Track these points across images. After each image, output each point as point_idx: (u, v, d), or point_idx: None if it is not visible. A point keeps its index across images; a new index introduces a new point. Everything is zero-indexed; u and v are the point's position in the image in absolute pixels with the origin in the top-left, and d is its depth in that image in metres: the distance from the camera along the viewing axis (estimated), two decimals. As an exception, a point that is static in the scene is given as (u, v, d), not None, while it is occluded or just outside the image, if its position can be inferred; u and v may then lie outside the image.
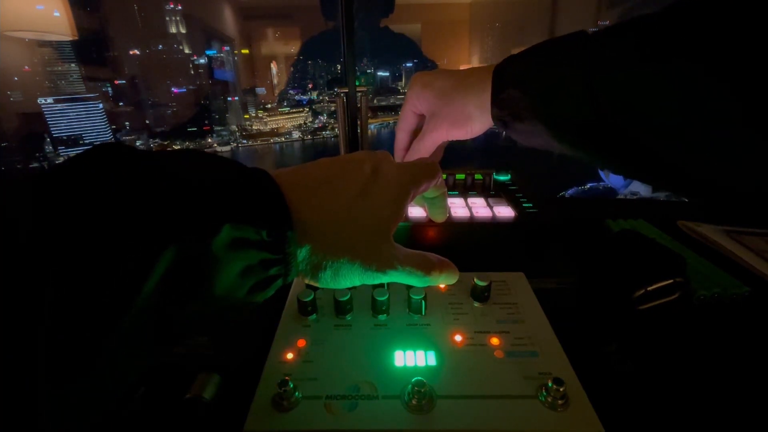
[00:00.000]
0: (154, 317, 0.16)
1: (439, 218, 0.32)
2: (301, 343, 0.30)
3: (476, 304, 0.33)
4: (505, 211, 0.45)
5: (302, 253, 0.21)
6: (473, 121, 0.36)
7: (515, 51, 0.33)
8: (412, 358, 0.28)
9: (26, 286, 0.14)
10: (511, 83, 0.31)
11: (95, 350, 0.14)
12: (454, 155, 0.50)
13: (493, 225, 0.43)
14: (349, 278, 0.22)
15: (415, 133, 0.43)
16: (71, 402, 0.15)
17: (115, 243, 0.15)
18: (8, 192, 0.16)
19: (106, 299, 0.14)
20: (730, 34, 0.21)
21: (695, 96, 0.22)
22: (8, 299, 0.13)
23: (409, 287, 0.34)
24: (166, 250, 0.15)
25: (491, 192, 0.50)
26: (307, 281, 0.22)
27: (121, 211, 0.15)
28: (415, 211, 0.45)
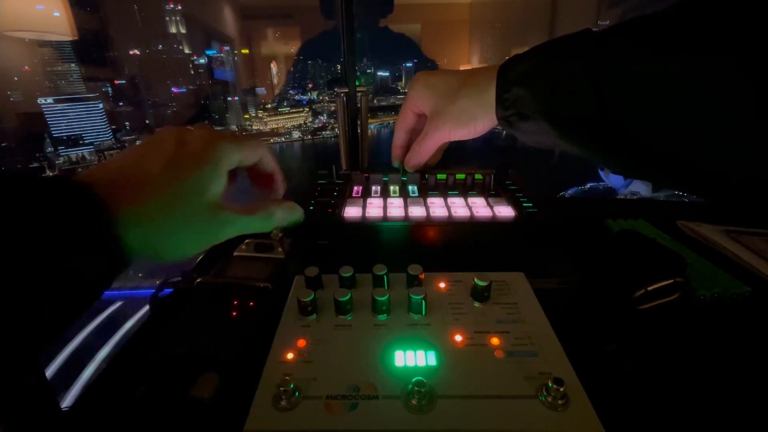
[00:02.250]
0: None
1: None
2: (301, 343, 0.30)
3: (476, 304, 0.33)
4: (505, 211, 0.45)
5: (131, 237, 0.22)
6: (477, 120, 0.36)
7: (515, 51, 0.33)
8: (412, 358, 0.28)
9: None
10: (516, 82, 0.32)
11: None
12: (454, 155, 0.50)
13: (493, 225, 0.43)
14: (191, 243, 0.25)
15: (414, 132, 0.43)
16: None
17: None
18: None
19: None
20: (738, 29, 0.21)
21: (702, 91, 0.22)
22: None
23: (409, 287, 0.34)
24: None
25: (491, 192, 0.50)
26: (156, 260, 0.24)
27: None
28: (416, 211, 0.45)
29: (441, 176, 0.51)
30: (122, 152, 0.25)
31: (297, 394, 0.25)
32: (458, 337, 0.30)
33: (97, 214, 0.21)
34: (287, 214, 0.30)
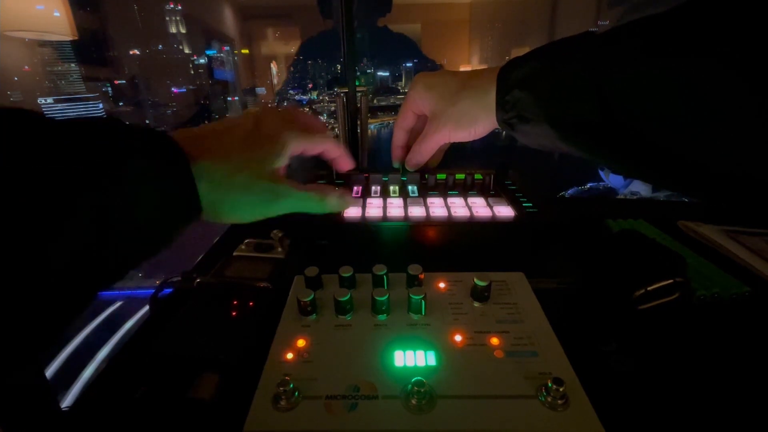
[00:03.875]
0: (90, 238, 0.19)
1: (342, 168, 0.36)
2: (301, 343, 0.30)
3: (476, 304, 0.33)
4: (505, 211, 0.45)
5: (201, 188, 0.25)
6: (477, 123, 0.36)
7: (515, 51, 0.33)
8: (412, 358, 0.28)
9: None
10: (516, 85, 0.31)
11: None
12: (454, 155, 0.50)
13: (493, 225, 0.43)
14: (247, 208, 0.27)
15: (414, 132, 0.43)
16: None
17: (41, 181, 0.18)
18: None
19: (51, 207, 0.17)
20: (743, 28, 0.21)
21: (701, 91, 0.22)
22: None
23: (409, 287, 0.34)
24: (86, 184, 0.19)
25: (491, 192, 0.50)
26: (211, 219, 0.26)
27: (49, 156, 0.18)
28: (415, 211, 0.45)
29: (441, 176, 0.51)
30: (210, 123, 0.29)
31: (297, 394, 0.25)
32: (458, 337, 0.30)
33: (179, 157, 0.24)
34: (338, 202, 0.32)
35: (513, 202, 0.46)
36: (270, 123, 0.29)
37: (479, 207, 0.46)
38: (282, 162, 0.29)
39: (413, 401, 0.25)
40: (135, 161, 0.21)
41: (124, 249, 0.21)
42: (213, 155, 0.26)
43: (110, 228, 0.20)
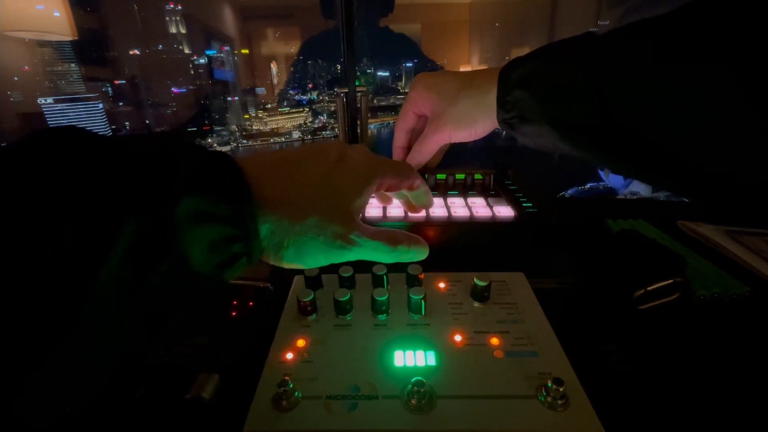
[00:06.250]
0: (128, 286, 0.16)
1: (421, 207, 0.33)
2: (301, 343, 0.30)
3: (476, 304, 0.33)
4: (505, 211, 0.45)
5: (264, 230, 0.21)
6: (478, 123, 0.36)
7: (515, 51, 0.33)
8: (411, 358, 0.28)
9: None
10: (517, 85, 0.31)
11: (71, 317, 0.15)
12: (454, 155, 0.50)
13: (493, 225, 0.43)
14: (313, 255, 0.23)
15: (414, 132, 0.43)
16: (52, 378, 0.15)
17: (76, 215, 0.15)
18: None
19: (75, 265, 0.15)
20: (744, 31, 0.21)
21: (701, 95, 0.22)
22: None
23: (409, 287, 0.34)
24: (127, 219, 0.16)
25: (491, 192, 0.50)
26: (271, 261, 0.23)
27: (82, 186, 0.16)
28: (415, 211, 0.45)
29: (441, 176, 0.51)
30: (287, 149, 0.25)
31: (297, 394, 0.25)
32: (458, 337, 0.30)
33: (242, 193, 0.20)
34: (412, 251, 0.27)
35: (513, 202, 0.46)
36: (356, 155, 0.26)
37: (479, 207, 0.46)
38: (364, 201, 0.25)
39: (413, 401, 0.25)
40: (189, 198, 0.18)
41: (163, 293, 0.18)
42: (284, 189, 0.22)
43: (150, 269, 0.17)
